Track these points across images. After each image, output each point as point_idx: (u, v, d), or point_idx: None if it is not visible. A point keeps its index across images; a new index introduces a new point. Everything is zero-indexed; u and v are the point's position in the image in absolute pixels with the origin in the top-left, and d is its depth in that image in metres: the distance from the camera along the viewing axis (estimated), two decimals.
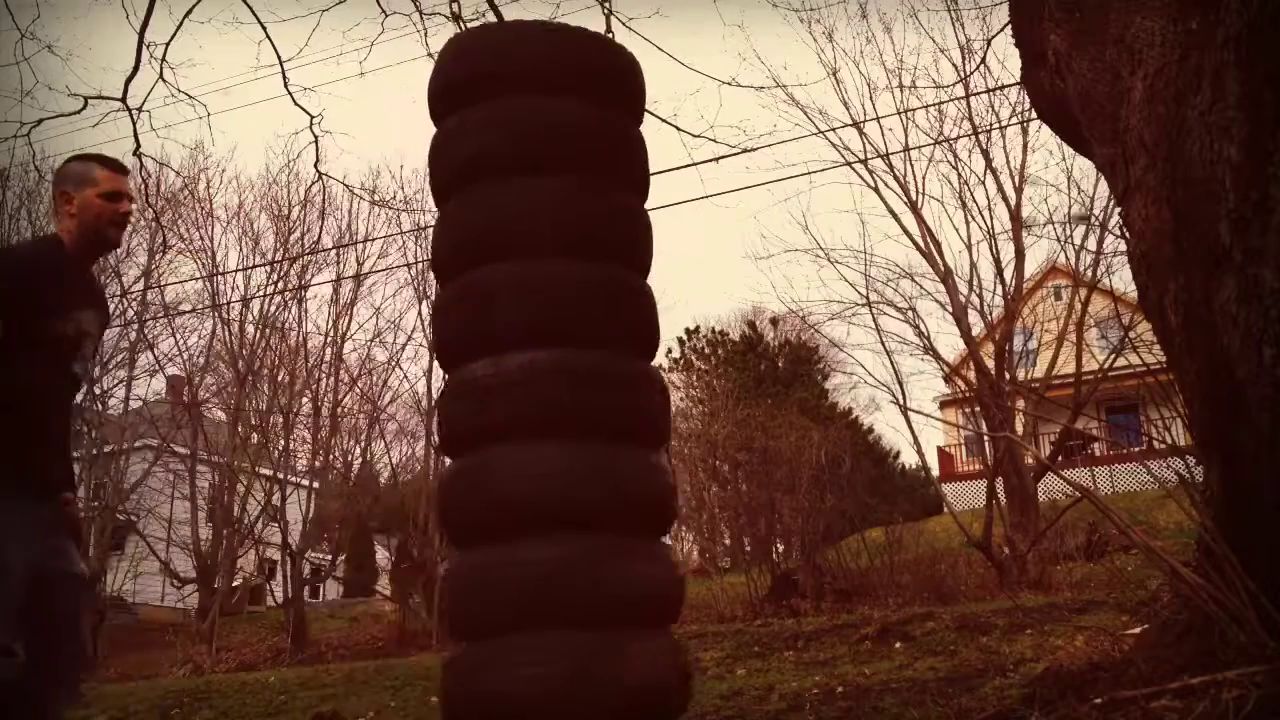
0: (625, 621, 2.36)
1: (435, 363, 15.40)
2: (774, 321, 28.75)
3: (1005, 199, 13.02)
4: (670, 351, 29.22)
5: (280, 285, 16.48)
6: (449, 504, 2.49)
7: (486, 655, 2.31)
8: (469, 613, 2.39)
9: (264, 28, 6.63)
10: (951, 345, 21.54)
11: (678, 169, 11.22)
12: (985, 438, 16.10)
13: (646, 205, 2.80)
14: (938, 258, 13.16)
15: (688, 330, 29.37)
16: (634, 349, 2.57)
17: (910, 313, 13.76)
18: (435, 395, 15.15)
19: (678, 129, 7.27)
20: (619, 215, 2.63)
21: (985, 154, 13.02)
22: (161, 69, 6.71)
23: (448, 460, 2.58)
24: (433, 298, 2.74)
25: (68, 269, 2.72)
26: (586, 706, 2.23)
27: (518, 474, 2.34)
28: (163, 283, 17.47)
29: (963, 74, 12.43)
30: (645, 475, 2.49)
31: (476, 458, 2.43)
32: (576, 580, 2.29)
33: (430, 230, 16.51)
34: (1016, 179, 12.96)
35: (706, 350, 29.12)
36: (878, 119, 13.95)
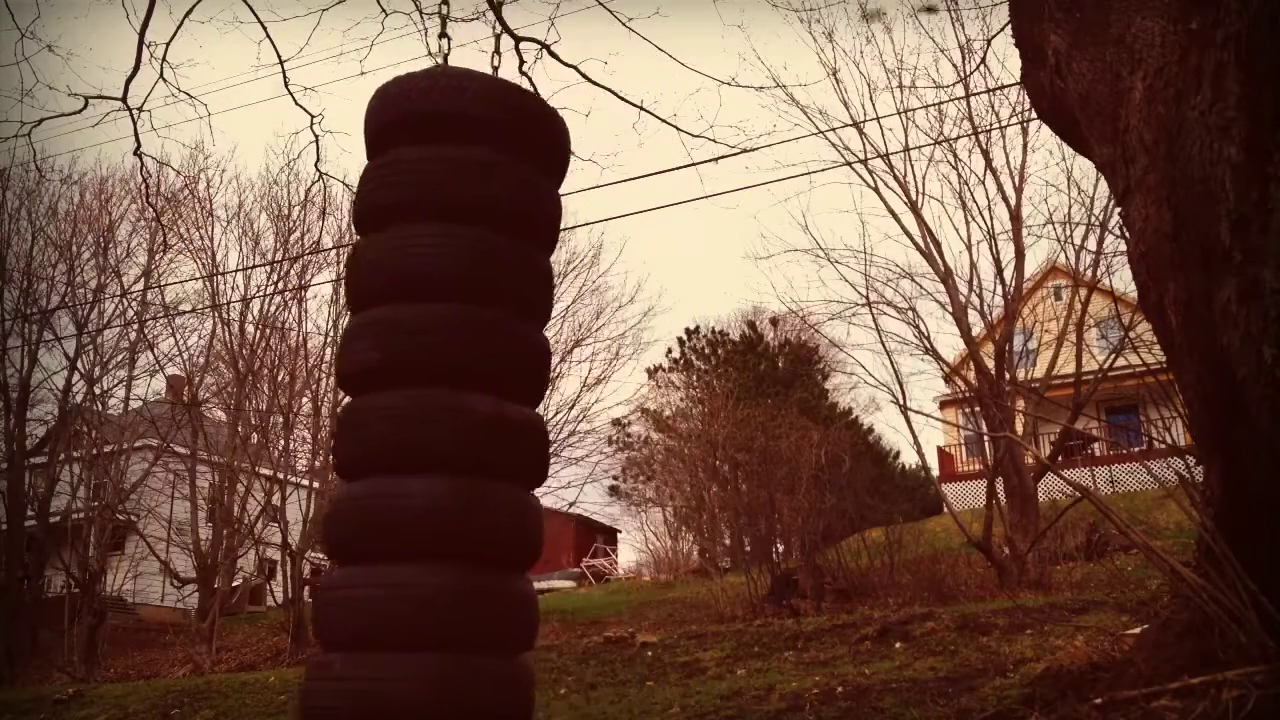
0: (489, 647, 2.54)
1: None
2: (774, 321, 28.76)
3: (1005, 199, 13.02)
4: (670, 351, 29.25)
5: (280, 285, 16.48)
6: (333, 523, 2.64)
7: (354, 666, 2.43)
8: (343, 625, 2.51)
9: (264, 27, 6.62)
10: (951, 345, 21.55)
11: (678, 169, 11.23)
12: (985, 438, 16.10)
13: (551, 258, 2.96)
14: (938, 258, 13.16)
15: (688, 330, 29.42)
16: (523, 396, 2.74)
17: (910, 313, 13.77)
18: None
19: (678, 129, 7.26)
20: (520, 264, 2.75)
21: (985, 154, 13.03)
22: (162, 69, 6.70)
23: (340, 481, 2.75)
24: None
25: None
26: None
27: (400, 504, 2.49)
28: (163, 283, 17.48)
29: (963, 74, 12.44)
30: (520, 512, 2.67)
31: (363, 484, 2.58)
32: (448, 606, 2.44)
33: None
34: (1016, 179, 12.96)
35: (706, 350, 29.13)
36: (878, 119, 13.96)
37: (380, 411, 2.56)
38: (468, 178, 2.67)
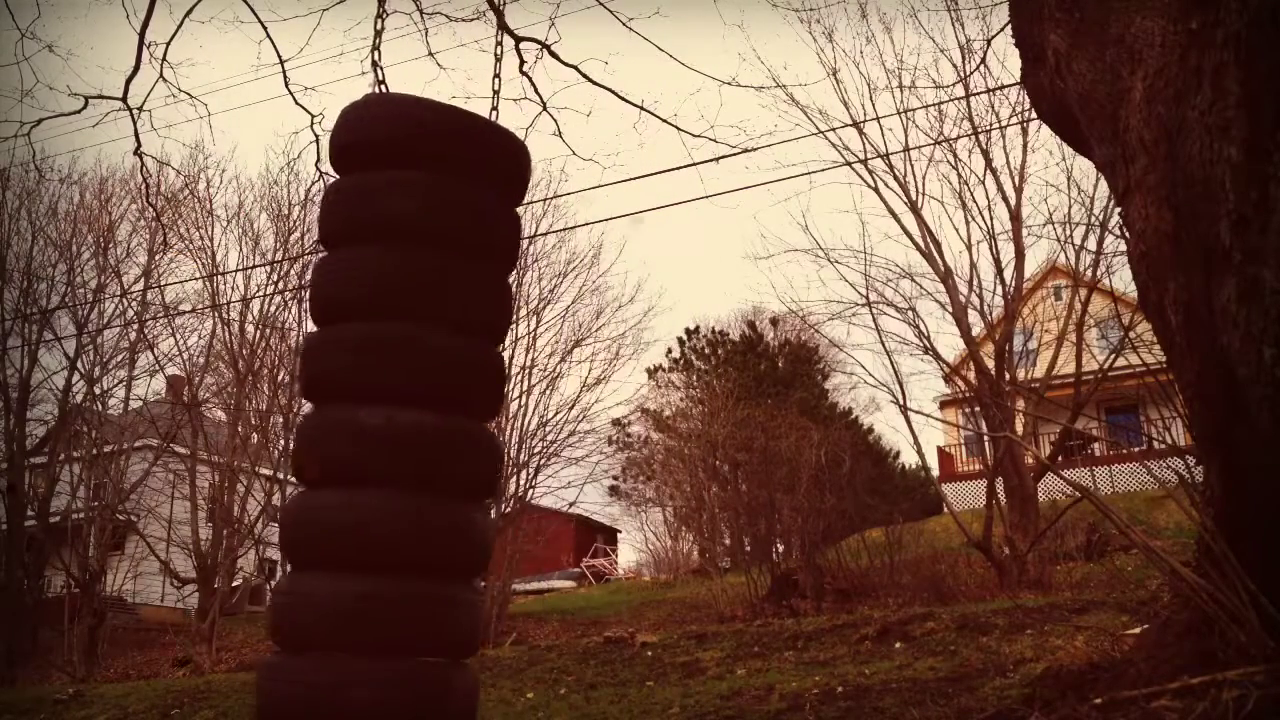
0: (450, 654, 2.68)
1: None
2: (774, 321, 28.75)
3: (1005, 199, 13.03)
4: (670, 351, 29.24)
5: (280, 285, 16.48)
6: (281, 528, 2.81)
7: (316, 668, 2.55)
8: (297, 626, 2.65)
9: (264, 27, 6.63)
10: (951, 345, 21.55)
11: (678, 169, 11.22)
12: (985, 438, 16.10)
13: (511, 278, 3.07)
14: (938, 258, 13.17)
15: (688, 330, 29.41)
16: (479, 410, 2.86)
17: (910, 313, 13.77)
18: None
19: (678, 129, 7.26)
20: (484, 285, 2.88)
21: (985, 154, 13.04)
22: (162, 68, 6.71)
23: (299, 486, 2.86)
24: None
25: None
26: None
27: (312, 516, 2.66)
28: (163, 283, 17.48)
29: (963, 74, 12.45)
30: (468, 527, 2.77)
31: (325, 494, 2.70)
32: (344, 613, 2.55)
33: None
34: (1016, 179, 12.97)
35: (706, 350, 29.12)
36: (878, 119, 13.95)
37: (301, 428, 2.82)
38: (373, 199, 2.78)
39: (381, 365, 2.67)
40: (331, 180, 2.91)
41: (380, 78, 3.31)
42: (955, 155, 13.34)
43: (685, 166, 15.26)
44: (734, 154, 7.98)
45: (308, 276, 2.97)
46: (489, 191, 2.91)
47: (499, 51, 3.26)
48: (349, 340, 2.71)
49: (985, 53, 15.97)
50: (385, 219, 2.75)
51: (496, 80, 3.24)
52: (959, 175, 13.66)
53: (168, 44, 7.07)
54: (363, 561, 2.57)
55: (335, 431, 2.66)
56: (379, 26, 3.38)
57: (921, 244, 13.21)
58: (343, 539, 2.57)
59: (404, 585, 2.60)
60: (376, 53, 3.30)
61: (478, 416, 2.86)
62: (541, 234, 16.15)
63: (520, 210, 3.07)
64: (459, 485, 2.75)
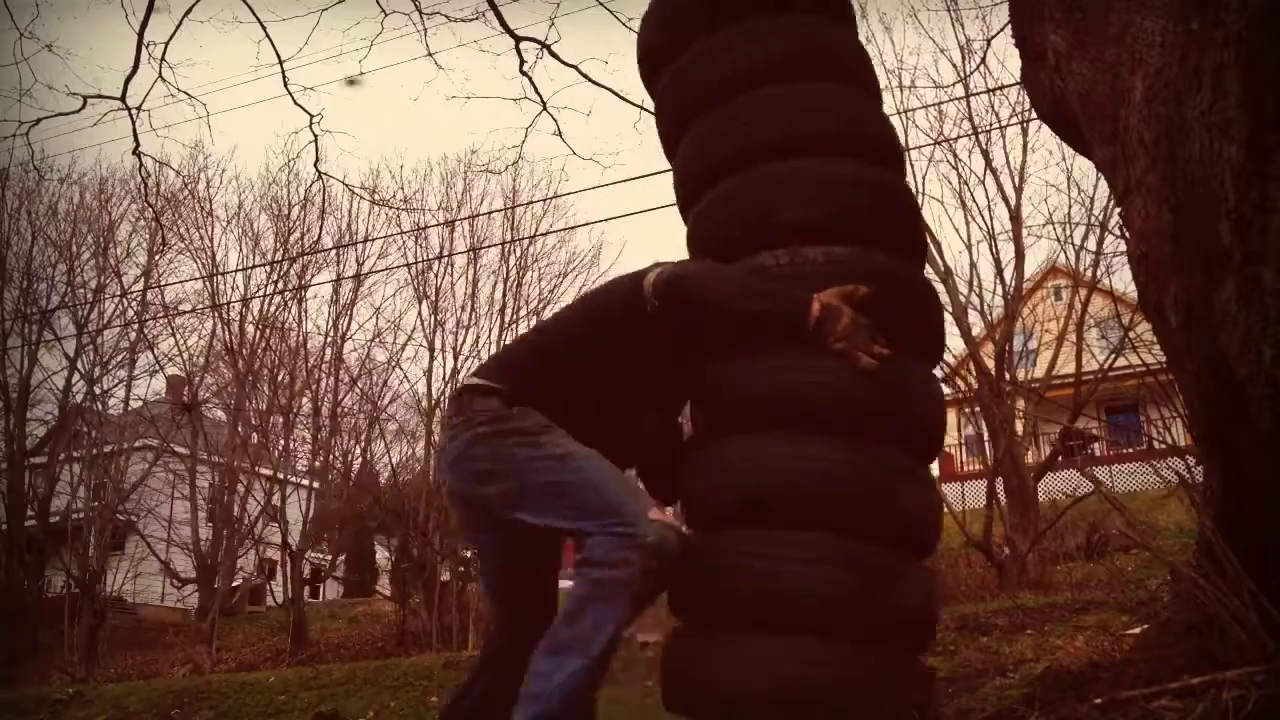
0: (906, 547, 2.34)
1: (435, 362, 15.41)
2: None
3: (1005, 199, 13.02)
4: None
5: (280, 285, 16.48)
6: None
7: (733, 644, 2.26)
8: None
9: (264, 27, 6.66)
10: (951, 345, 21.53)
11: None
12: (985, 438, 16.09)
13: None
14: (937, 258, 13.15)
15: None
16: (910, 255, 2.59)
17: None
18: (435, 395, 15.16)
19: None
20: (877, 119, 2.71)
21: (985, 154, 13.03)
22: (161, 68, 6.76)
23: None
24: (699, 204, 2.65)
25: None
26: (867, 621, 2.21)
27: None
28: (163, 283, 17.48)
29: (963, 74, 12.45)
30: (929, 394, 2.46)
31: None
32: (870, 495, 2.26)
33: (432, 229, 16.32)
34: (1016, 179, 12.97)
35: None
36: None
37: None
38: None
39: (889, 213, 2.52)
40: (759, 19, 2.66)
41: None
42: (955, 155, 13.34)
43: None
44: None
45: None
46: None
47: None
48: (868, 183, 2.50)
49: (985, 53, 16.02)
50: (844, 65, 2.69)
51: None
52: (959, 175, 13.66)
53: (167, 44, 7.11)
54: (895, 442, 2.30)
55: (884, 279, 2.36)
56: None
57: None
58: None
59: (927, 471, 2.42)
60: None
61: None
62: (541, 234, 16.17)
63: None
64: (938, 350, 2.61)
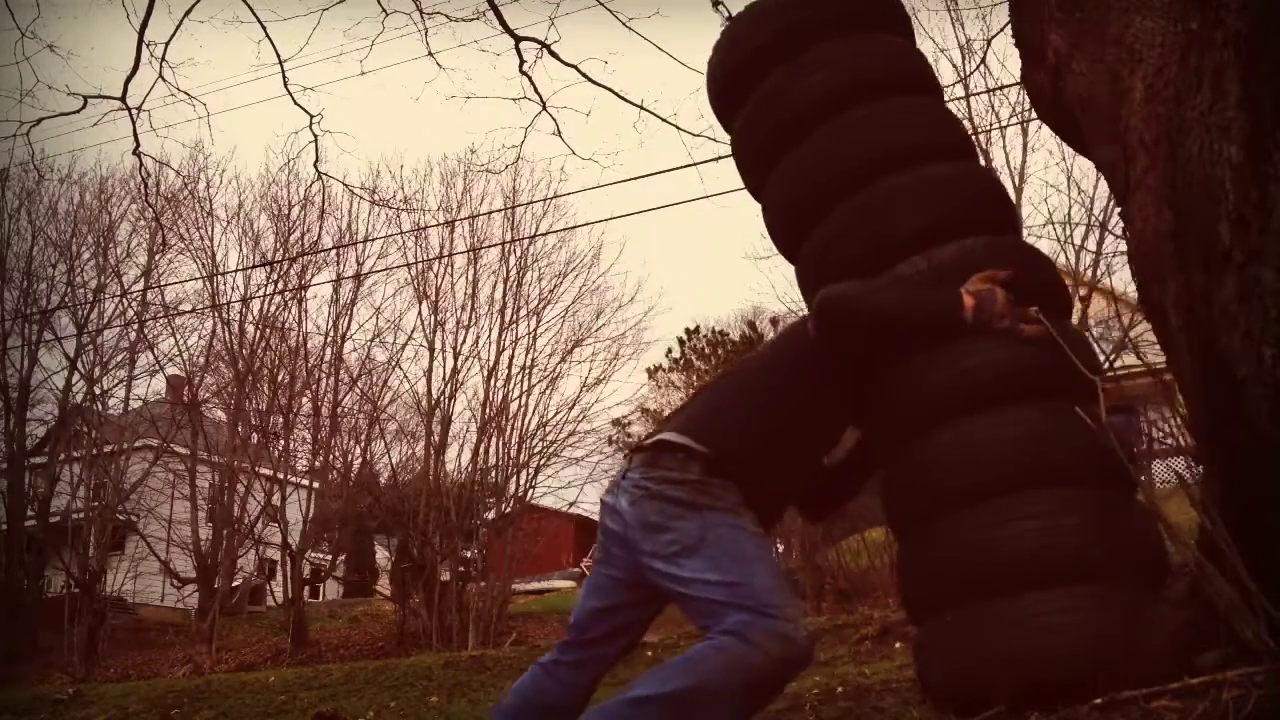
0: (1117, 485, 2.39)
1: (435, 362, 15.41)
2: (774, 321, 28.65)
3: None
4: (670, 351, 29.19)
5: (280, 285, 16.48)
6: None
7: (999, 613, 2.28)
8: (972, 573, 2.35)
9: (264, 27, 6.65)
10: None
11: (678, 169, 11.22)
12: None
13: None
14: None
15: (688, 330, 29.32)
16: (1016, 229, 2.86)
17: None
18: (435, 395, 15.16)
19: (678, 128, 7.30)
20: (952, 120, 3.00)
21: (985, 154, 13.01)
22: (161, 68, 6.74)
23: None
24: (825, 222, 2.81)
25: None
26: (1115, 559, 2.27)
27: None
28: (163, 283, 17.48)
29: (963, 74, 12.43)
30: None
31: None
32: (1070, 440, 2.34)
33: (432, 229, 16.28)
34: (1016, 179, 12.96)
35: (707, 350, 29.09)
36: None
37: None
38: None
39: (995, 201, 2.79)
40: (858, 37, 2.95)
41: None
42: None
43: (685, 166, 15.29)
44: None
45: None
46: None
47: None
48: (973, 178, 2.83)
49: (985, 53, 15.97)
50: (928, 79, 3.03)
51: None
52: None
53: (167, 44, 7.10)
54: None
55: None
56: None
57: None
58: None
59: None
60: None
61: None
62: (541, 234, 16.16)
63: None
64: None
